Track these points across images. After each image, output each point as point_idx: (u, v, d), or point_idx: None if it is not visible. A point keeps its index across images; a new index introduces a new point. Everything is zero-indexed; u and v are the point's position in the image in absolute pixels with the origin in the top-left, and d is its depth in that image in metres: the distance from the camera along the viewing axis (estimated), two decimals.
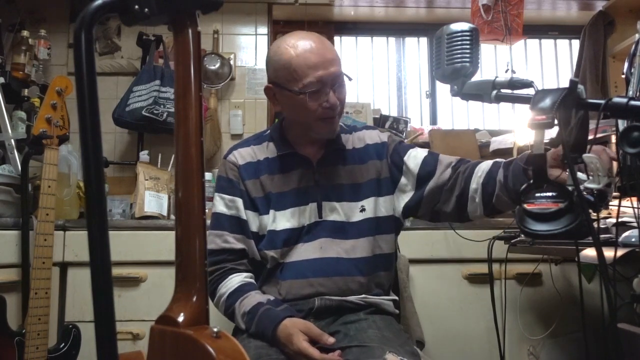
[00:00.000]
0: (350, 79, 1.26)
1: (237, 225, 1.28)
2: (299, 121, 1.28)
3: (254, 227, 1.29)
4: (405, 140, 2.50)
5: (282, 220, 1.27)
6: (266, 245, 1.27)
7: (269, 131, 1.39)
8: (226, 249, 1.26)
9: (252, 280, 1.27)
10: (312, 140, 1.32)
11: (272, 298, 1.22)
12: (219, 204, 1.31)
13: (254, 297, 1.20)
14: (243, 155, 1.33)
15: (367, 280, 1.26)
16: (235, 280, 1.24)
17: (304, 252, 1.26)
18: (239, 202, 1.29)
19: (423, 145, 2.60)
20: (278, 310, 1.16)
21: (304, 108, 1.21)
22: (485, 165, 1.22)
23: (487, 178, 1.19)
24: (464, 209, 1.23)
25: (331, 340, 1.11)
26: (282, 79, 1.22)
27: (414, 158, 1.31)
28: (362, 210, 1.30)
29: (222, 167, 1.35)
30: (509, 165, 1.17)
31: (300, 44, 1.20)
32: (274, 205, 1.28)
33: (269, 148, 1.34)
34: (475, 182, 1.21)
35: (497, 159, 1.22)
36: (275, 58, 1.23)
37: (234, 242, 1.27)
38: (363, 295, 1.25)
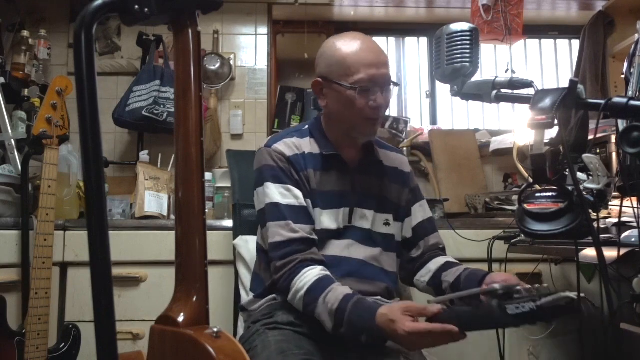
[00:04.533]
0: (397, 85, 1.28)
1: (299, 213, 1.23)
2: (342, 119, 1.27)
3: None
4: (405, 140, 2.50)
5: (322, 219, 1.26)
6: None
7: (307, 126, 1.36)
8: (294, 239, 1.20)
9: (328, 273, 1.18)
10: (351, 143, 1.33)
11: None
12: (274, 193, 1.23)
13: (338, 290, 1.12)
14: (289, 146, 1.29)
15: (387, 290, 1.28)
16: (312, 274, 1.15)
17: (332, 249, 1.26)
18: (295, 190, 1.25)
19: (423, 145, 2.60)
20: (369, 301, 1.10)
21: (352, 104, 1.22)
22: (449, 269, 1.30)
23: (442, 272, 1.30)
24: (414, 275, 1.38)
25: (437, 307, 1.02)
26: (334, 74, 1.24)
27: (420, 211, 1.41)
28: (387, 224, 1.34)
29: (265, 157, 1.27)
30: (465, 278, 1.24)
31: (357, 43, 1.23)
32: (316, 203, 1.27)
33: (311, 144, 1.32)
34: (434, 269, 1.33)
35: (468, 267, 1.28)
36: (330, 53, 1.25)
37: (300, 230, 1.21)
38: (378, 297, 1.25)
